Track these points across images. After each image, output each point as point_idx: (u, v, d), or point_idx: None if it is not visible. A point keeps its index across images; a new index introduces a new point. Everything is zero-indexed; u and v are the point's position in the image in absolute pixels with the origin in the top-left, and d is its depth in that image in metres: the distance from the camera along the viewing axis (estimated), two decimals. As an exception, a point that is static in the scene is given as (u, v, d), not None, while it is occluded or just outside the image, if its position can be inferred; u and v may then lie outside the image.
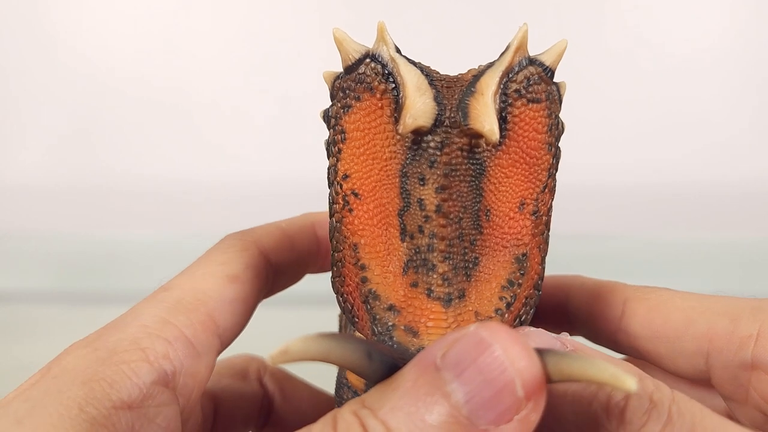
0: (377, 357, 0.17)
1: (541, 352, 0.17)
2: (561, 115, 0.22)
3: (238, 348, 0.27)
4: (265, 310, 0.26)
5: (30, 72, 0.71)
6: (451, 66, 0.23)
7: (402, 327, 0.20)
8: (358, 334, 0.22)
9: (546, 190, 0.21)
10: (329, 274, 0.27)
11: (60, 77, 0.71)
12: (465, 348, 0.17)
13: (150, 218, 0.72)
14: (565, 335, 0.21)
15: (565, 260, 0.34)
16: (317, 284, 0.29)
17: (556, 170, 0.22)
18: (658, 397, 0.18)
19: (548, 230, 0.22)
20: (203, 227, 0.71)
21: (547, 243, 0.22)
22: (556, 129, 0.21)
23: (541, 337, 0.21)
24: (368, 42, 0.21)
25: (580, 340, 0.25)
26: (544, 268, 0.22)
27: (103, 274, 0.68)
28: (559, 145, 0.22)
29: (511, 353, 0.16)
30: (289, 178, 0.70)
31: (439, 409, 0.16)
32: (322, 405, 0.31)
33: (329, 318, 0.32)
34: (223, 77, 0.71)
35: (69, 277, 0.68)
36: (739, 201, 0.70)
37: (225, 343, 0.23)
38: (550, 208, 0.22)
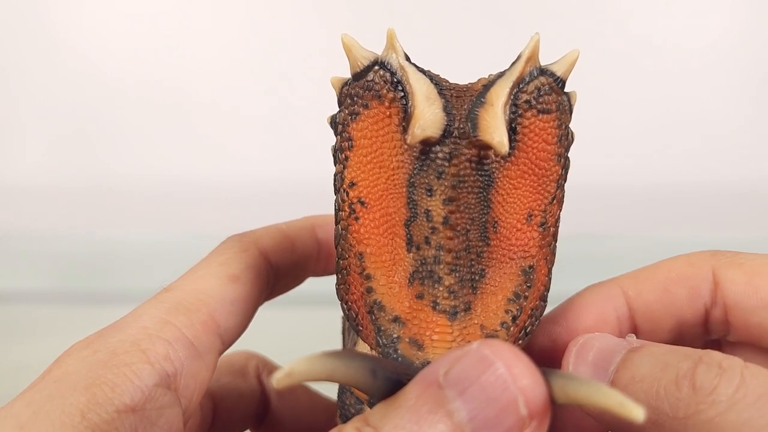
0: (381, 374, 0.17)
1: (546, 373, 0.17)
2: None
3: (240, 348, 0.27)
4: (267, 310, 0.26)
5: (30, 72, 0.71)
6: (445, 66, 0.23)
7: (407, 339, 0.20)
8: (361, 342, 0.22)
9: (554, 201, 0.21)
10: (331, 275, 0.27)
11: (60, 77, 0.71)
12: (468, 366, 0.17)
13: (150, 218, 0.72)
14: (631, 336, 0.21)
15: (565, 260, 0.34)
16: (319, 285, 0.29)
17: (565, 181, 0.21)
18: (728, 364, 0.18)
19: (555, 241, 0.22)
20: (203, 227, 0.71)
21: (554, 254, 0.22)
22: (565, 140, 0.21)
23: (607, 340, 0.21)
24: (372, 45, 0.21)
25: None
26: (550, 279, 0.22)
27: (103, 274, 0.68)
28: (569, 155, 0.21)
29: (514, 371, 0.16)
30: (289, 178, 0.70)
31: (442, 428, 0.16)
32: (318, 407, 0.31)
33: (332, 319, 0.31)
34: (223, 77, 0.71)
35: (69, 277, 0.68)
36: (739, 201, 0.70)
37: (226, 344, 0.23)
38: (557, 219, 0.22)
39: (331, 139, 0.22)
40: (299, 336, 0.48)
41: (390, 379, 0.17)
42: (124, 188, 0.72)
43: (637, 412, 0.15)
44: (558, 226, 0.22)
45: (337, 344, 0.29)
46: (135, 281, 0.62)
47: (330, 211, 0.26)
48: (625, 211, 0.72)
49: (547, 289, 0.22)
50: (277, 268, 0.25)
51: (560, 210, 0.22)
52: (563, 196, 0.22)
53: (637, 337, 0.23)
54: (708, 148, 0.71)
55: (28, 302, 0.65)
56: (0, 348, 0.56)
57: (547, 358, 0.23)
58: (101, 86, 0.71)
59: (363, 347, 0.22)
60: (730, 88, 0.70)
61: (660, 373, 0.18)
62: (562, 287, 0.26)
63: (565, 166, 0.21)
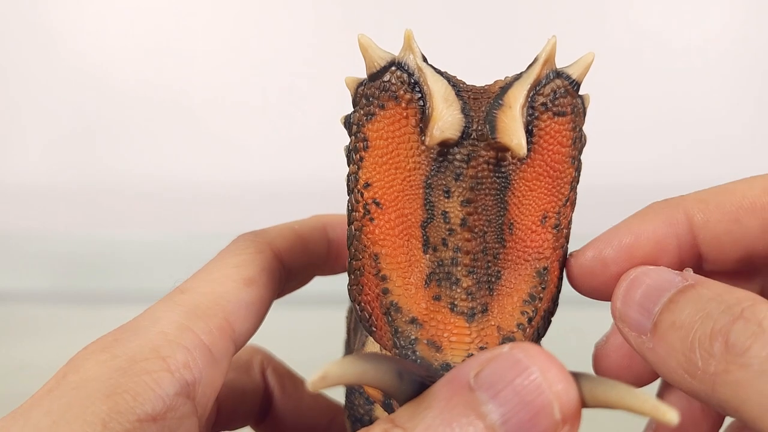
0: (407, 376, 0.17)
1: (576, 376, 0.17)
2: None
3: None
4: (271, 309, 0.26)
5: (30, 72, 0.71)
6: (455, 67, 0.23)
7: (425, 341, 0.20)
8: (370, 342, 0.22)
9: (567, 203, 0.21)
10: (337, 274, 0.27)
11: (60, 77, 0.71)
12: (500, 368, 0.17)
13: (150, 218, 0.72)
14: (688, 271, 0.20)
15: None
16: (323, 284, 0.29)
17: (578, 183, 0.22)
18: None
19: (567, 243, 0.22)
20: (204, 227, 0.70)
21: (566, 255, 0.22)
22: (579, 142, 0.21)
23: (662, 274, 0.20)
24: (380, 45, 0.21)
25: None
26: (562, 281, 0.22)
27: (103, 274, 0.68)
28: (581, 157, 0.22)
29: (549, 376, 0.16)
30: (291, 177, 0.70)
31: (474, 430, 0.16)
32: (320, 405, 0.31)
33: (335, 319, 0.31)
34: (225, 76, 0.71)
35: (69, 277, 0.68)
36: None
37: (238, 347, 0.22)
38: (570, 221, 0.22)
39: (338, 138, 0.22)
40: (301, 336, 0.48)
41: (414, 381, 0.17)
42: (125, 188, 0.72)
43: (671, 415, 0.15)
44: (570, 228, 0.22)
45: (341, 344, 0.29)
46: (135, 281, 0.62)
47: (335, 210, 0.26)
48: (625, 212, 0.72)
49: (559, 291, 0.22)
50: (289, 269, 0.25)
51: (573, 212, 0.22)
52: (576, 198, 0.22)
53: (701, 263, 0.21)
54: (708, 148, 0.71)
55: (28, 302, 0.65)
56: (0, 348, 0.55)
57: (596, 282, 0.22)
58: (102, 86, 0.71)
59: (372, 348, 0.22)
60: (733, 87, 0.70)
61: (698, 323, 0.18)
62: (563, 287, 0.26)
63: (578, 168, 0.21)
